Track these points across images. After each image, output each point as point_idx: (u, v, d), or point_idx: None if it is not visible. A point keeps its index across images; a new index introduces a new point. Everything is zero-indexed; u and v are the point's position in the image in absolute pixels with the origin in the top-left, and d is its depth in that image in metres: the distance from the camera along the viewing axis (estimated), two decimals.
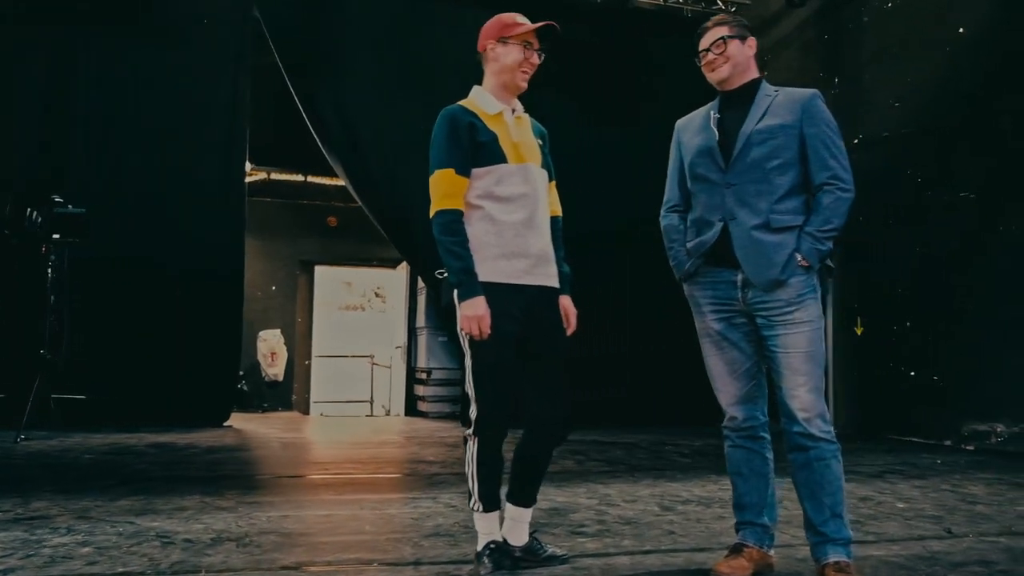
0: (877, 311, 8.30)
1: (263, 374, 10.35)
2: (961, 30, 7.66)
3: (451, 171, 2.82)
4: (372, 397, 12.73)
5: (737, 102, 2.94)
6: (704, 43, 2.97)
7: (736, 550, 2.91)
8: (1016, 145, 7.06)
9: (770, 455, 2.96)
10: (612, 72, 9.06)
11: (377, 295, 12.57)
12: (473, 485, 2.90)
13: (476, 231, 2.85)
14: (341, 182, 9.09)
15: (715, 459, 6.27)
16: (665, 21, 9.52)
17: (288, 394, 10.50)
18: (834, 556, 2.70)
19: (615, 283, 8.91)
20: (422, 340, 10.01)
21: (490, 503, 2.91)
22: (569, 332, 3.07)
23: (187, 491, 4.47)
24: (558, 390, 2.95)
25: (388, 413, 11.05)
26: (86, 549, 3.25)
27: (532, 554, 3.02)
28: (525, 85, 3.00)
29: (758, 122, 2.85)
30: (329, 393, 11.41)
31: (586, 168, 8.43)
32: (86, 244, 6.92)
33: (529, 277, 2.90)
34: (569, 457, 6.28)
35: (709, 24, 3.00)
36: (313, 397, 11.25)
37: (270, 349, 10.48)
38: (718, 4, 9.40)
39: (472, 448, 2.91)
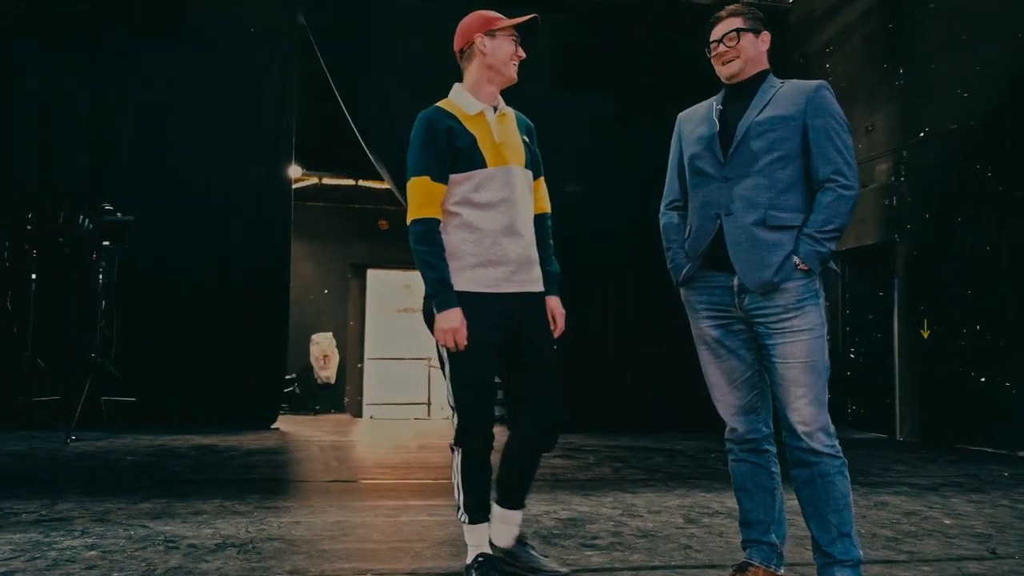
0: (945, 313, 7.87)
1: (315, 377, 10.44)
2: None
3: (427, 179, 2.73)
4: (430, 399, 12.76)
5: (741, 94, 2.77)
6: (716, 34, 2.80)
7: (741, 569, 2.72)
8: None
9: (776, 469, 2.76)
10: (647, 68, 8.88)
11: None
12: (459, 496, 2.81)
13: (453, 239, 2.77)
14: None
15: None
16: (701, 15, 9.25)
17: (340, 397, 10.57)
18: None
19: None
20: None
21: (477, 514, 2.81)
22: (557, 334, 2.95)
23: (211, 495, 4.48)
24: (545, 398, 2.83)
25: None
26: (91, 552, 3.26)
27: (516, 559, 2.91)
28: (516, 76, 2.90)
29: (759, 113, 2.67)
30: (382, 395, 11.44)
31: (623, 167, 8.28)
32: (135, 250, 7.08)
33: (508, 285, 2.79)
34: (607, 464, 6.13)
35: (722, 14, 2.82)
36: (366, 400, 11.30)
37: (322, 352, 10.56)
38: None
39: (457, 459, 2.83)
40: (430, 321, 2.80)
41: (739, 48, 2.74)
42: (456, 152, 2.75)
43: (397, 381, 11.87)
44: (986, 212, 7.47)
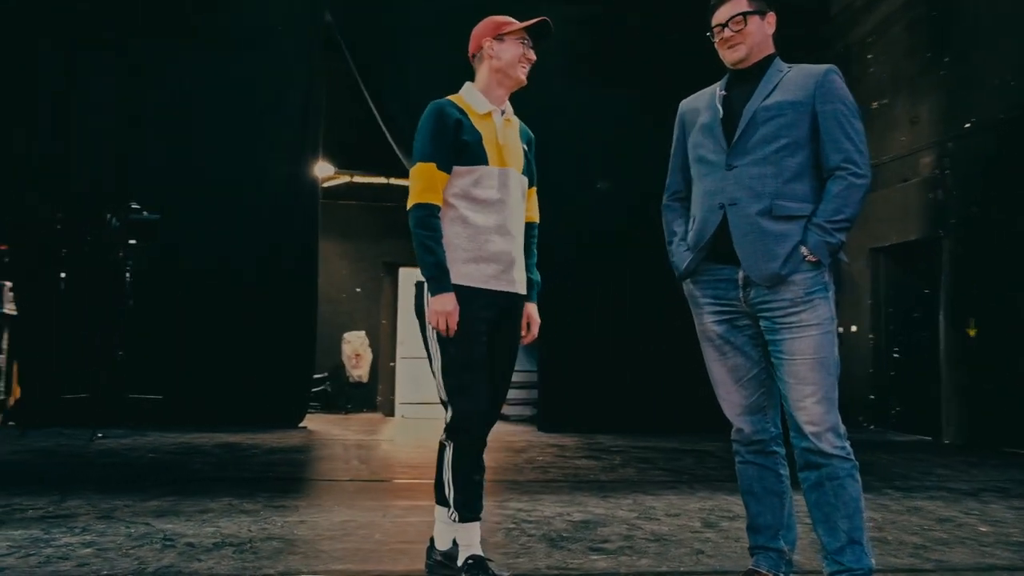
0: (992, 310, 7.53)
1: (347, 376, 10.41)
2: None
3: (432, 165, 2.76)
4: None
5: (746, 79, 2.62)
6: (720, 17, 2.65)
7: None
8: None
9: (784, 471, 2.60)
10: (673, 63, 8.68)
11: None
12: (449, 493, 2.71)
13: (448, 233, 2.79)
14: None
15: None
16: None
17: (373, 396, 10.53)
18: None
19: None
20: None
21: (468, 512, 2.72)
22: (527, 340, 2.99)
23: (221, 493, 4.43)
24: (494, 401, 2.86)
25: None
26: (86, 550, 3.21)
27: (453, 562, 2.81)
28: (525, 79, 2.95)
29: (765, 99, 2.52)
30: (415, 395, 11.37)
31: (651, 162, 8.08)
32: (161, 248, 7.11)
33: (495, 282, 2.80)
34: (632, 465, 5.96)
35: None
36: (398, 399, 11.24)
37: (354, 351, 10.53)
38: None
39: (448, 454, 2.74)
40: (421, 314, 2.80)
41: (745, 32, 2.60)
42: (462, 145, 2.78)
43: (430, 380, 11.70)
44: None
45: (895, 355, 9.20)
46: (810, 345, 2.40)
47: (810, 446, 2.41)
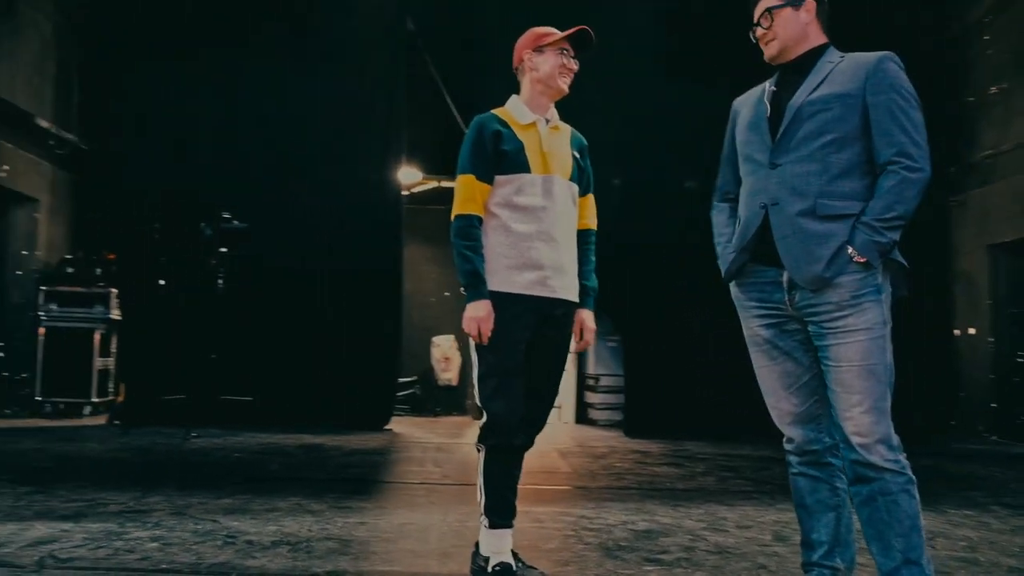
0: None
1: (436, 379, 10.52)
2: None
3: (472, 177, 2.83)
4: (561, 403, 12.61)
5: (796, 73, 2.49)
6: (755, 15, 2.55)
7: None
8: None
9: (841, 484, 2.43)
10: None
11: None
12: (481, 499, 2.69)
13: (491, 242, 2.84)
14: None
15: None
16: None
17: (462, 399, 10.59)
18: None
19: None
20: (591, 345, 9.73)
21: (499, 518, 2.71)
22: (579, 348, 2.99)
23: (292, 493, 4.51)
24: (538, 410, 2.89)
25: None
26: (152, 544, 3.32)
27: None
28: (567, 87, 2.97)
29: (811, 92, 2.39)
30: None
31: None
32: (252, 255, 7.37)
33: (540, 289, 2.80)
34: (715, 473, 5.78)
35: None
36: None
37: (443, 354, 10.63)
38: None
39: (481, 459, 2.74)
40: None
41: (775, 28, 2.50)
42: (502, 155, 2.83)
43: None
44: None
45: (1020, 360, 8.59)
46: (857, 351, 2.25)
47: (859, 458, 2.26)
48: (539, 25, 2.97)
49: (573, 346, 2.99)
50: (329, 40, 8.40)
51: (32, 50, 8.31)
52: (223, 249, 7.17)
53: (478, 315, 2.71)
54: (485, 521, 2.73)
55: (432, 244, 11.16)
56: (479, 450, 2.78)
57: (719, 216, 2.71)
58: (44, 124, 8.37)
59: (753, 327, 2.51)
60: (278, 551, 3.25)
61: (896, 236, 2.26)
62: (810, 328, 2.37)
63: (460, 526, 3.80)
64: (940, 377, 8.86)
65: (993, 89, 8.76)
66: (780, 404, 2.49)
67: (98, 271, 8.36)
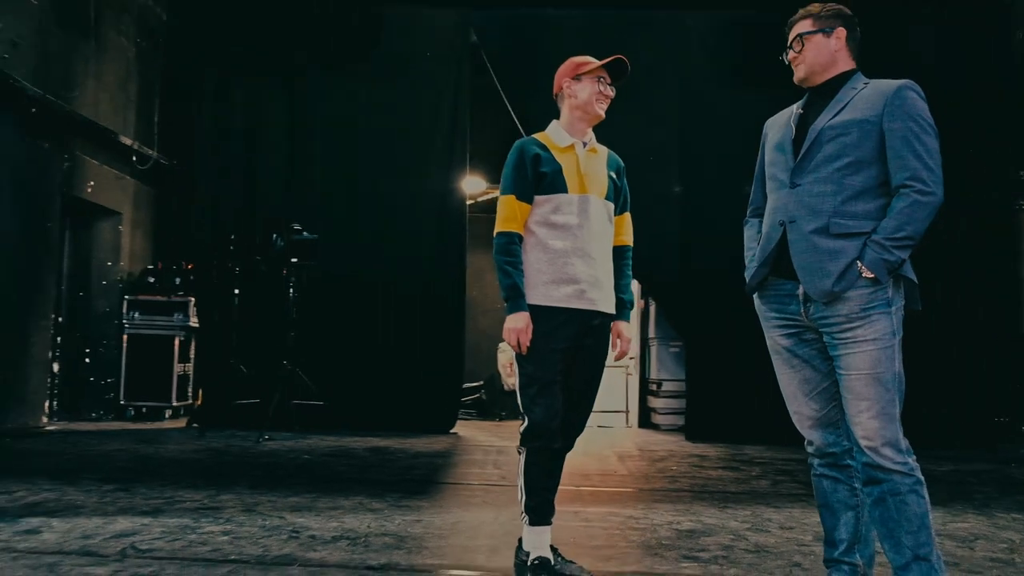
0: None
1: (502, 384, 10.71)
2: None
3: (513, 197, 3.02)
4: (627, 408, 12.67)
5: (822, 97, 2.64)
6: (788, 38, 2.71)
7: None
8: None
9: (860, 485, 2.53)
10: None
11: None
12: (521, 497, 2.87)
13: (530, 258, 3.02)
14: None
15: (953, 486, 5.46)
16: None
17: None
18: None
19: None
20: (653, 350, 9.80)
21: (537, 516, 2.87)
22: (617, 357, 3.13)
23: (356, 492, 4.75)
24: (576, 416, 3.05)
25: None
26: (223, 538, 3.58)
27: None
28: (603, 113, 3.13)
29: (833, 117, 2.53)
30: None
31: None
32: (322, 265, 7.72)
33: (577, 301, 2.97)
34: (769, 477, 5.83)
35: (796, 16, 2.72)
36: None
37: (508, 360, 10.80)
38: None
39: (522, 461, 2.93)
40: None
41: (804, 53, 2.64)
42: (541, 177, 3.01)
43: None
44: None
45: None
46: (866, 360, 2.38)
47: (868, 461, 2.38)
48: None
49: (611, 355, 3.13)
50: (395, 54, 8.72)
51: (116, 72, 8.82)
52: (294, 259, 7.52)
53: (517, 327, 2.89)
54: (526, 518, 2.91)
55: None
56: (520, 452, 2.96)
57: (749, 231, 2.85)
58: (127, 142, 8.86)
59: (774, 336, 2.65)
60: (338, 545, 3.48)
61: (905, 255, 2.39)
62: (825, 338, 2.50)
63: (511, 524, 3.97)
64: (1012, 382, 8.66)
65: None
66: (800, 409, 2.61)
67: (177, 280, 8.81)
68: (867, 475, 2.40)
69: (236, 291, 7.88)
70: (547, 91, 3.24)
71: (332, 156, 8.63)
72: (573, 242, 2.97)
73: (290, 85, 8.76)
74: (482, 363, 10.88)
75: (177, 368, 8.71)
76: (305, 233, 7.57)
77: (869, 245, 2.40)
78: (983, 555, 3.44)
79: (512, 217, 2.99)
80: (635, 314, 10.19)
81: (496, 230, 3.02)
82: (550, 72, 3.24)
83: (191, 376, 9.01)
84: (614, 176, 3.16)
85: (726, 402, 8.18)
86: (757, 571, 3.13)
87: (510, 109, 8.55)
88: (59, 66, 7.84)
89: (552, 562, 2.87)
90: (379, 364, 8.30)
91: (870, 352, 2.38)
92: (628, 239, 3.24)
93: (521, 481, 2.92)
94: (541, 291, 2.96)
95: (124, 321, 8.70)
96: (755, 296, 2.71)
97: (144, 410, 8.68)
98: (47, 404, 7.86)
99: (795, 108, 2.71)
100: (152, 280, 8.85)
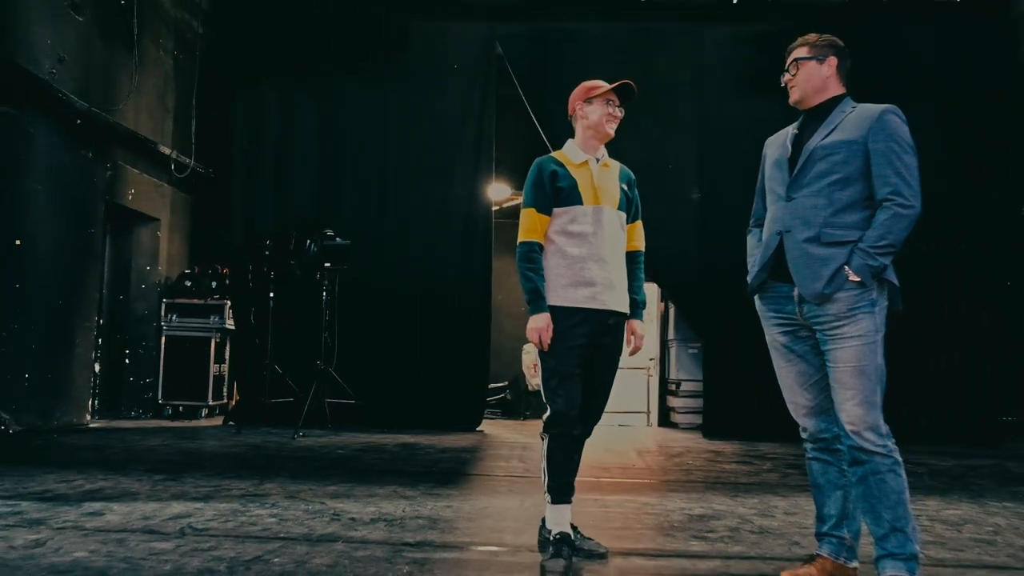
0: None
1: (527, 384, 11.02)
2: None
3: (533, 210, 3.34)
4: (648, 408, 12.92)
5: (815, 119, 2.94)
6: (787, 63, 3.02)
7: (809, 559, 2.89)
8: None
9: (848, 467, 2.82)
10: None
11: None
12: (544, 478, 3.17)
13: (550, 264, 3.32)
14: None
15: (953, 479, 5.70)
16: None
17: None
18: (892, 571, 2.57)
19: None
20: (673, 351, 10.07)
21: (558, 496, 3.19)
22: (631, 352, 3.43)
23: (389, 482, 5.08)
24: (594, 406, 3.35)
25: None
26: (271, 519, 3.91)
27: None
28: (613, 132, 3.44)
29: (824, 138, 2.84)
30: None
31: None
32: (353, 269, 8.09)
33: (593, 302, 3.27)
34: (779, 470, 6.09)
35: (794, 44, 3.03)
36: None
37: (532, 361, 11.12)
38: None
39: (544, 445, 3.24)
40: None
41: (797, 78, 2.95)
42: (558, 191, 3.33)
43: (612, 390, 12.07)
44: None
45: None
46: (852, 354, 2.68)
47: (853, 443, 2.68)
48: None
49: (626, 351, 3.44)
50: (424, 66, 9.09)
51: (155, 84, 9.24)
52: (327, 264, 7.88)
53: (539, 326, 3.21)
54: (548, 498, 3.24)
55: None
56: (543, 438, 3.28)
57: (751, 239, 3.15)
58: (165, 151, 9.27)
59: (773, 334, 2.96)
60: (376, 526, 3.80)
61: (887, 261, 2.69)
62: (816, 335, 2.81)
63: (535, 510, 4.26)
64: (1017, 382, 8.87)
65: None
66: (796, 399, 2.92)
67: (213, 284, 9.19)
68: (851, 456, 2.70)
69: (271, 294, 8.23)
70: (567, 100, 3.56)
71: (362, 163, 9.02)
72: (589, 249, 3.27)
73: (321, 95, 9.14)
74: (507, 365, 11.23)
75: (213, 368, 9.09)
76: (338, 239, 7.92)
77: (856, 252, 2.69)
78: (969, 536, 3.72)
79: (533, 228, 3.30)
80: (655, 316, 10.48)
81: (519, 240, 3.34)
82: (572, 83, 3.54)
83: (226, 376, 9.39)
84: (625, 188, 3.46)
85: (742, 400, 8.43)
86: (759, 549, 3.42)
87: (534, 118, 8.88)
88: (102, 79, 8.26)
89: (572, 537, 3.18)
90: (408, 364, 8.65)
91: (855, 347, 2.67)
92: (640, 245, 3.55)
93: (544, 464, 3.24)
94: (560, 293, 3.26)
95: (162, 323, 9.10)
96: (756, 297, 3.02)
97: (181, 409, 9.07)
98: (90, 403, 8.26)
99: (791, 129, 3.01)
100: (189, 284, 9.24)
